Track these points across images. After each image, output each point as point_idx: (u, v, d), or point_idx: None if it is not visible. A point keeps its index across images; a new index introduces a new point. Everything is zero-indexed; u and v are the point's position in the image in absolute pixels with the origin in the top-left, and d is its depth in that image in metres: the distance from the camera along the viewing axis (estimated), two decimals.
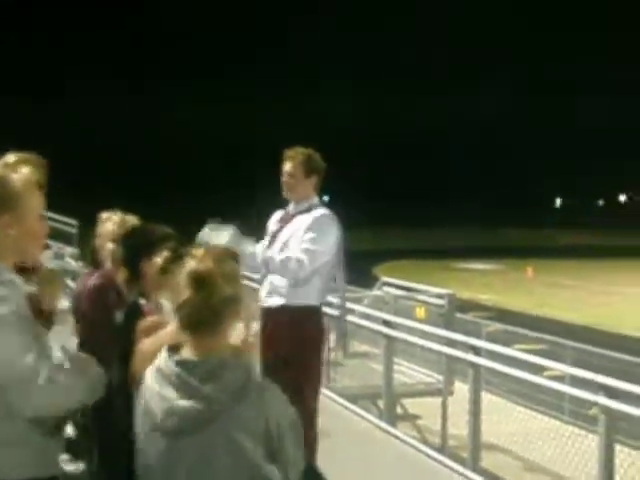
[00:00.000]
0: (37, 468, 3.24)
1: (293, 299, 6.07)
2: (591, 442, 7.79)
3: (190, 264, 2.90)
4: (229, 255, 3.02)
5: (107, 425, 4.43)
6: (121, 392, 3.75)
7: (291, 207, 6.36)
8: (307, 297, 6.10)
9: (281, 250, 6.08)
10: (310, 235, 6.06)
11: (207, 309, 2.86)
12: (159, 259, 4.19)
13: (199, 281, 2.86)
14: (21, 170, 3.37)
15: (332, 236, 6.17)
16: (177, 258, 3.11)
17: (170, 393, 2.88)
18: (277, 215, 6.49)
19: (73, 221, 21.06)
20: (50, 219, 20.78)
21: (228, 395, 2.82)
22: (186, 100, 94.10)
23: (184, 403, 2.85)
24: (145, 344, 3.66)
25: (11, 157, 4.14)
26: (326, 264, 6.15)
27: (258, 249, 6.10)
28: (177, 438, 2.88)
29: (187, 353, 2.91)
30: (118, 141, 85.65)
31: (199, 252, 2.94)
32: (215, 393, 2.83)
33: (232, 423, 2.82)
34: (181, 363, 2.90)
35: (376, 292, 13.46)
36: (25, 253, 3.40)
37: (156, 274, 4.16)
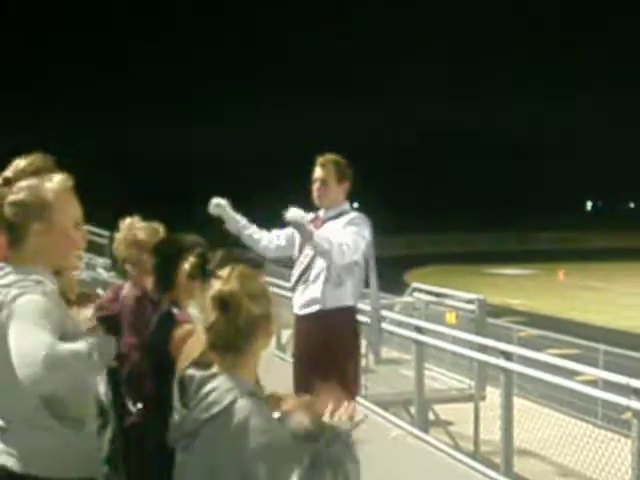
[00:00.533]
0: (78, 469, 3.30)
1: (329, 303, 6.12)
2: (624, 446, 7.76)
3: (215, 285, 2.86)
4: (254, 273, 2.96)
5: (141, 438, 4.48)
6: (156, 404, 3.77)
7: (322, 213, 6.40)
8: (341, 299, 6.16)
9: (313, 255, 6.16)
10: (350, 229, 6.14)
11: (234, 331, 2.83)
12: (186, 265, 4.21)
13: (224, 303, 2.82)
14: (54, 178, 3.41)
15: (366, 236, 6.23)
16: (204, 263, 3.09)
17: (175, 404, 2.91)
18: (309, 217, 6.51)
19: (105, 232, 21.19)
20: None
21: (203, 408, 2.79)
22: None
23: (176, 416, 2.88)
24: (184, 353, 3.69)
25: (21, 162, 4.19)
26: (359, 265, 6.20)
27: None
28: (178, 449, 2.90)
29: (213, 369, 2.88)
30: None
31: (224, 272, 2.89)
32: (194, 405, 2.82)
33: (212, 438, 2.77)
34: (185, 376, 2.91)
35: (407, 298, 13.43)
36: (60, 261, 3.46)
37: (184, 280, 4.18)
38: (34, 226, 3.31)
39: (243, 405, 2.75)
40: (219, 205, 6.22)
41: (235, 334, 2.83)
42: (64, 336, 3.19)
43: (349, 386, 6.13)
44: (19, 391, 3.14)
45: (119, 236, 5.59)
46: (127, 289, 5.48)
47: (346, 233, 6.09)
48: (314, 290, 6.17)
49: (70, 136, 69.47)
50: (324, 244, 5.97)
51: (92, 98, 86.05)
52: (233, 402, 2.75)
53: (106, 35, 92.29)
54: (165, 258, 4.43)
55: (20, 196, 3.32)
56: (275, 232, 6.53)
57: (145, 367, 4.37)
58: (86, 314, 3.83)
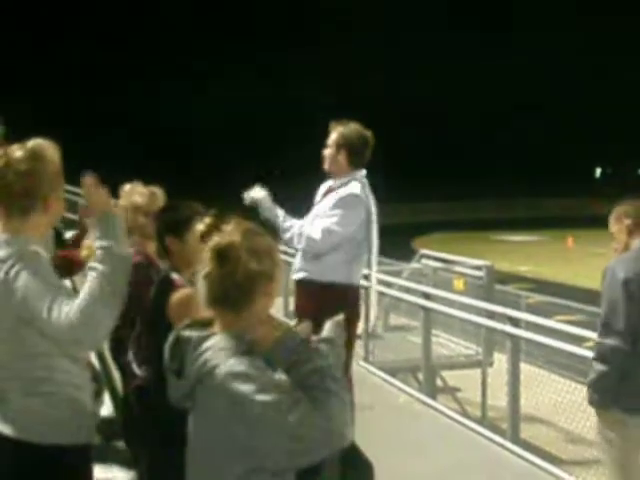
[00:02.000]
0: (72, 435, 3.32)
1: (318, 275, 6.09)
2: None
3: (215, 238, 2.82)
4: (261, 230, 2.91)
5: (147, 401, 4.49)
6: (161, 367, 3.78)
7: (331, 180, 6.38)
8: (333, 273, 6.08)
9: (313, 221, 6.15)
10: (333, 213, 6.09)
11: (230, 284, 2.76)
12: (200, 226, 4.20)
13: (221, 255, 2.77)
14: (45, 144, 3.41)
15: (355, 220, 6.13)
16: (218, 224, 3.01)
17: (167, 366, 2.88)
18: (325, 185, 6.49)
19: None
20: (78, 195, 20.98)
21: (195, 370, 2.76)
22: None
23: (170, 377, 2.87)
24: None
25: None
26: (351, 240, 6.12)
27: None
28: (188, 410, 2.88)
29: (216, 329, 2.85)
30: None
31: (229, 226, 2.86)
32: (187, 366, 2.79)
33: (206, 397, 2.75)
34: (180, 337, 2.88)
35: (415, 265, 13.43)
36: (53, 225, 3.54)
37: (196, 242, 4.18)
38: (50, 196, 3.33)
39: (232, 364, 2.68)
40: (257, 199, 6.11)
41: (232, 287, 2.77)
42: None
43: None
44: (21, 354, 3.18)
45: (120, 203, 5.60)
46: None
47: (324, 221, 6.07)
48: (298, 257, 6.25)
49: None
50: (285, 234, 6.09)
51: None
52: (224, 361, 2.70)
53: None
54: (161, 227, 4.45)
55: (34, 165, 3.31)
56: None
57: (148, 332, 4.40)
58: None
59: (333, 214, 6.08)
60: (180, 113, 72.78)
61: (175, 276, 4.28)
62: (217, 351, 2.73)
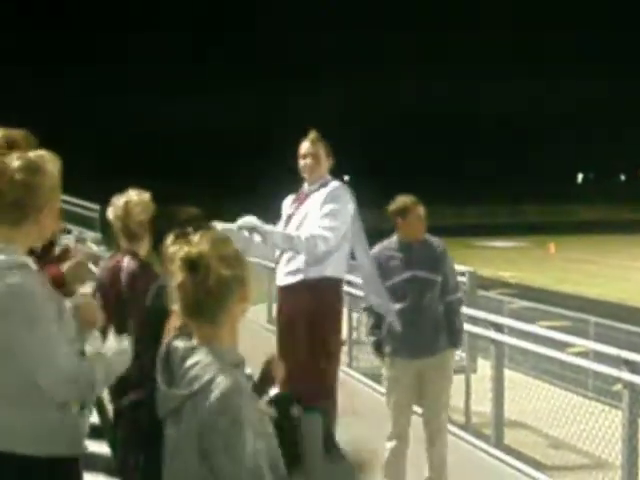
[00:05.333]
0: (59, 445, 3.29)
1: (311, 273, 6.08)
2: (615, 418, 7.79)
3: (184, 249, 2.82)
4: (226, 238, 2.92)
5: (137, 409, 4.48)
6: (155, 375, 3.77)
7: (305, 187, 6.38)
8: (325, 269, 6.08)
9: (297, 229, 6.10)
10: (328, 208, 6.06)
11: (203, 293, 2.77)
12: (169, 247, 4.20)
13: (191, 264, 2.78)
14: (46, 156, 3.36)
15: (348, 208, 6.18)
16: (181, 241, 3.01)
17: (159, 378, 2.87)
18: (290, 198, 6.52)
19: (95, 205, 21.11)
20: (72, 204, 20.94)
21: (185, 384, 2.75)
22: None
23: (161, 389, 2.84)
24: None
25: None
26: (344, 237, 6.15)
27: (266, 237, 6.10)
28: (166, 425, 2.87)
29: (194, 341, 2.85)
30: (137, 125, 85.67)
31: (195, 237, 2.86)
32: (178, 381, 2.78)
33: (191, 415, 2.73)
34: (170, 347, 2.88)
35: None
36: (46, 237, 3.47)
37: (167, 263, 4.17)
38: (44, 209, 3.28)
39: (221, 381, 2.69)
40: (249, 226, 5.87)
41: (206, 296, 2.77)
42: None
43: (331, 358, 6.14)
44: (6, 369, 3.15)
45: (113, 212, 5.59)
46: (127, 261, 5.47)
47: (322, 218, 6.02)
48: (297, 261, 6.12)
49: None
50: (285, 244, 5.95)
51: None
52: (212, 378, 2.70)
53: None
54: (158, 232, 4.44)
55: (31, 177, 3.25)
56: None
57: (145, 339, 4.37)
58: (84, 291, 3.83)
59: (329, 211, 6.05)
60: None
61: None
62: (204, 367, 2.74)
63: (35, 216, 3.27)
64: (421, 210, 6.95)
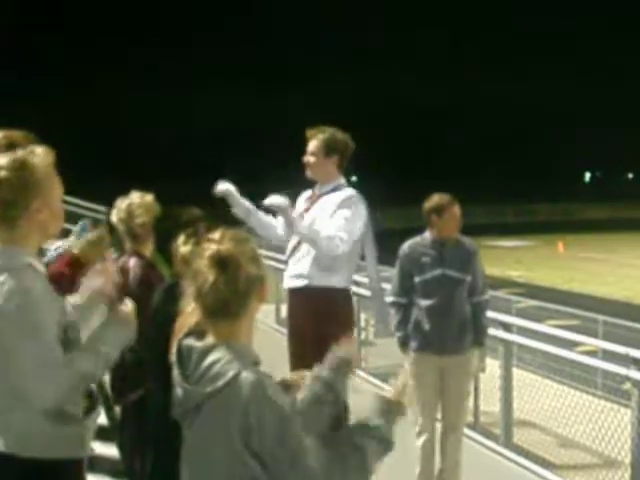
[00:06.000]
0: (62, 448, 3.28)
1: (318, 280, 6.03)
2: (624, 416, 7.77)
3: (211, 247, 2.81)
4: (246, 236, 2.92)
5: (144, 411, 4.48)
6: (162, 376, 3.76)
7: (317, 188, 6.32)
8: (334, 279, 6.02)
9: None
10: (344, 213, 5.99)
11: (231, 291, 2.76)
12: (181, 247, 4.18)
13: (222, 262, 2.77)
14: (38, 151, 3.34)
15: (362, 216, 6.13)
16: (196, 245, 3.02)
17: (176, 378, 2.85)
18: (305, 194, 6.45)
19: (101, 207, 21.09)
20: (78, 206, 20.93)
21: (206, 382, 2.75)
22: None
23: (179, 388, 2.83)
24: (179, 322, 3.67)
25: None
26: (356, 244, 6.12)
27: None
28: (184, 425, 2.86)
29: (210, 339, 2.84)
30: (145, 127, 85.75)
31: (216, 235, 2.85)
32: (197, 379, 2.77)
33: (217, 413, 2.73)
34: (183, 347, 2.87)
35: None
36: (49, 235, 3.44)
37: (180, 263, 4.16)
38: (34, 204, 3.25)
39: (247, 377, 2.70)
40: (225, 191, 5.97)
41: (233, 295, 2.78)
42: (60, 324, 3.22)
43: None
44: (5, 371, 3.14)
45: (118, 215, 5.61)
46: (133, 262, 5.49)
47: (339, 220, 5.94)
48: (304, 264, 6.05)
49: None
50: (309, 237, 5.89)
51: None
52: (237, 374, 2.70)
53: None
54: (163, 234, 4.44)
55: (15, 173, 3.24)
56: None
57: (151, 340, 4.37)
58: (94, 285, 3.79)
59: (345, 217, 5.97)
60: None
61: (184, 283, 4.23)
62: (226, 364, 2.73)
63: (28, 213, 3.25)
64: (457, 209, 7.00)
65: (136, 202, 5.58)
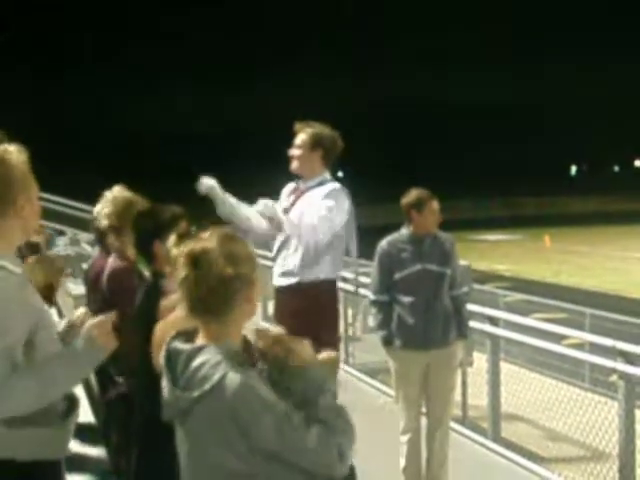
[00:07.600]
0: (38, 451, 3.24)
1: (307, 275, 6.04)
2: (611, 409, 7.79)
3: (189, 245, 2.81)
4: (239, 237, 2.90)
5: (131, 410, 4.46)
6: (145, 375, 3.74)
7: (301, 183, 6.29)
8: (320, 271, 6.04)
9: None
10: (326, 204, 5.98)
11: (204, 289, 2.74)
12: (170, 245, 4.15)
13: (195, 259, 2.76)
14: (12, 149, 3.31)
15: (345, 209, 6.12)
16: (184, 240, 3.00)
17: (165, 381, 2.83)
18: (288, 187, 6.41)
19: (89, 207, 21.02)
20: (66, 205, 20.91)
21: (194, 385, 2.73)
22: None
23: (167, 392, 2.81)
24: (158, 327, 3.64)
25: None
26: (340, 238, 6.11)
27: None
28: (176, 424, 2.85)
29: (199, 340, 2.83)
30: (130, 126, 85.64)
31: (206, 234, 2.84)
32: (185, 382, 2.75)
33: (209, 415, 2.71)
34: (170, 350, 2.85)
35: None
36: (28, 232, 3.42)
37: (166, 252, 4.13)
38: (19, 200, 3.23)
39: (234, 378, 2.67)
40: (208, 186, 5.82)
41: (208, 293, 2.75)
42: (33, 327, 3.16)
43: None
44: None
45: (98, 208, 5.59)
46: (112, 261, 5.47)
47: (321, 208, 5.95)
48: (292, 261, 6.05)
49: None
50: (293, 230, 5.92)
51: None
52: (224, 376, 2.68)
53: None
54: (143, 232, 4.41)
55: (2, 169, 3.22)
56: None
57: (132, 339, 4.34)
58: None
59: (326, 204, 5.97)
60: None
61: (165, 282, 4.20)
62: (213, 366, 2.71)
63: (13, 207, 3.21)
64: (436, 204, 7.01)
65: (103, 199, 5.58)
